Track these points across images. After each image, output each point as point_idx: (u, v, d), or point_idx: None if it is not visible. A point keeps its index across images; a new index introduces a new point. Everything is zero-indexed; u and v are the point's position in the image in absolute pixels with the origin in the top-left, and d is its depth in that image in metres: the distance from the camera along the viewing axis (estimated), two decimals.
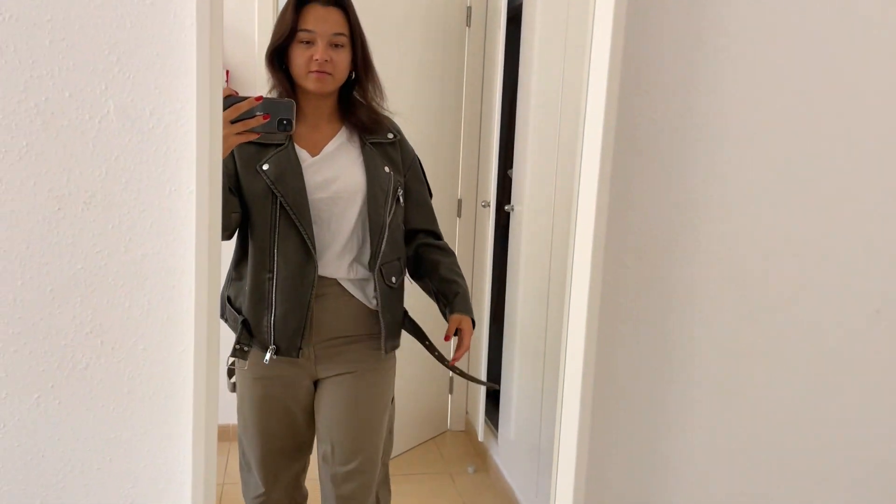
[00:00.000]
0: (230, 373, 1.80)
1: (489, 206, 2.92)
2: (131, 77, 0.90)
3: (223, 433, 3.44)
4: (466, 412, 3.47)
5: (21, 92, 0.88)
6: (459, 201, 3.22)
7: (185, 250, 0.93)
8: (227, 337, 2.33)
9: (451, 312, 1.74)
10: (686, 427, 1.09)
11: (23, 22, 0.87)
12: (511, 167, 2.84)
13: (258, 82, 2.58)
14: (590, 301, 0.97)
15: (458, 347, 1.71)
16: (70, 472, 0.93)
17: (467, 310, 1.72)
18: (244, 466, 1.86)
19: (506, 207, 2.80)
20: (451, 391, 3.45)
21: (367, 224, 1.64)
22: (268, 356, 1.61)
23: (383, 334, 1.66)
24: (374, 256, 1.62)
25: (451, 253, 1.81)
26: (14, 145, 0.89)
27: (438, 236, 1.83)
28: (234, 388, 1.76)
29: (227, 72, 2.76)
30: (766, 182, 1.06)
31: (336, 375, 1.71)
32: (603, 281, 1.00)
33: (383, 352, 1.68)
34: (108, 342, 0.93)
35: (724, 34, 1.02)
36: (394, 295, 1.72)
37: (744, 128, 1.04)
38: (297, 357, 1.65)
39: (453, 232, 3.24)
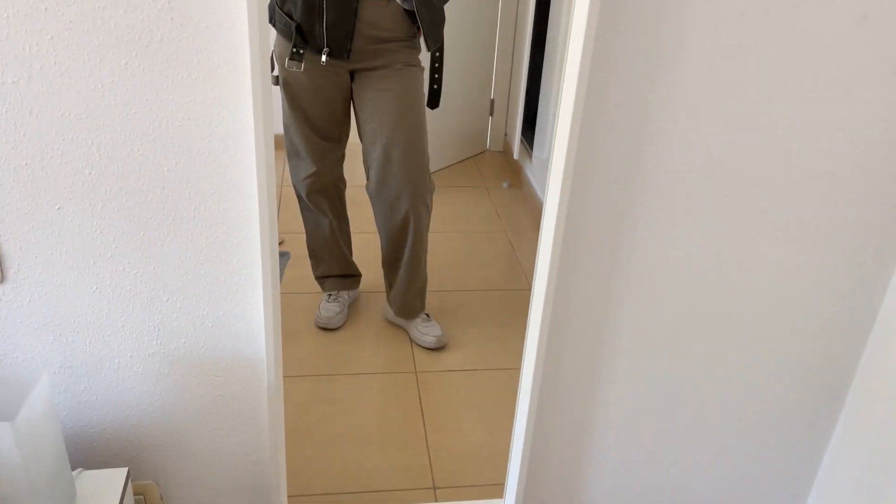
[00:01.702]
0: (270, 65, 2.03)
1: None
2: None
3: (278, 143, 3.73)
4: (505, 134, 3.67)
5: None
6: None
7: None
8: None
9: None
10: (669, 130, 1.25)
11: None
12: None
13: None
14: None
15: None
16: (158, 126, 1.16)
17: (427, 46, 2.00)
18: (292, 153, 2.17)
19: None
20: (491, 113, 3.62)
21: None
22: (324, 58, 1.84)
23: (424, 31, 1.87)
24: None
25: None
26: None
27: None
28: (276, 80, 2.01)
29: None
30: None
31: (372, 70, 1.94)
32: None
33: (426, 49, 1.89)
34: (177, 18, 1.10)
35: None
36: None
37: None
38: (348, 58, 1.87)
39: None
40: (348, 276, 2.46)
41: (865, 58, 1.21)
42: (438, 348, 2.32)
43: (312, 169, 2.13)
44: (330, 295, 2.44)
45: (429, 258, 2.78)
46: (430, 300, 2.52)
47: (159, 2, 1.09)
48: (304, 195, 2.22)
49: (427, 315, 2.38)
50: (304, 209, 2.30)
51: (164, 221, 1.23)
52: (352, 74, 2.00)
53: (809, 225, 1.36)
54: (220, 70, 1.14)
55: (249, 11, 1.08)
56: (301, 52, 1.86)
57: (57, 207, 1.19)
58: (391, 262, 2.28)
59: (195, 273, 1.27)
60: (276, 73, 2.00)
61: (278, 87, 2.00)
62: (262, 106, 1.14)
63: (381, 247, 2.27)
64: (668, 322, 1.42)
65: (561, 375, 1.45)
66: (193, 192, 1.21)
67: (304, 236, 2.39)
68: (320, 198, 2.24)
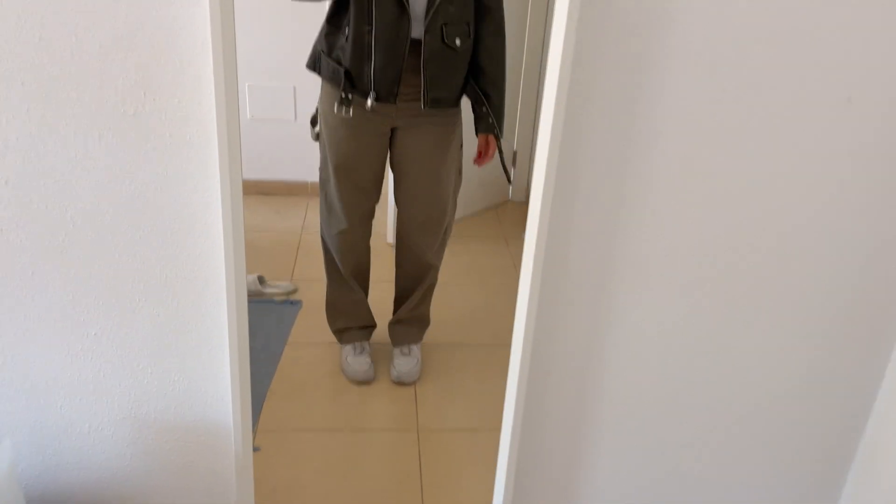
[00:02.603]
0: (314, 122, 2.04)
1: None
2: None
3: (301, 189, 3.80)
4: (528, 184, 3.65)
5: None
6: None
7: (204, 15, 1.07)
8: (309, 88, 2.53)
9: (477, 132, 2.04)
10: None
11: None
12: None
13: None
14: None
15: (483, 156, 2.09)
16: (130, 196, 1.18)
17: (490, 128, 2.00)
18: (326, 208, 2.19)
19: None
20: (513, 165, 3.60)
21: None
22: (370, 102, 1.84)
23: (423, 87, 1.84)
24: (435, 14, 1.75)
25: (500, 39, 1.96)
26: None
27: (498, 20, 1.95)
28: (317, 136, 2.02)
29: None
30: None
31: (411, 128, 1.95)
32: None
33: (422, 104, 1.86)
34: (149, 93, 1.12)
35: None
36: (449, 55, 1.86)
37: None
38: (395, 103, 1.86)
39: None
40: (366, 327, 2.45)
41: (849, 140, 1.16)
42: (398, 383, 2.36)
43: (345, 225, 2.14)
44: (354, 347, 2.41)
45: (440, 310, 2.75)
46: (438, 354, 2.49)
47: (132, 76, 1.11)
48: (333, 250, 2.23)
49: (408, 348, 2.41)
50: (328, 262, 2.30)
51: (135, 287, 1.23)
52: (392, 133, 2.01)
53: (795, 308, 1.30)
54: (191, 142, 1.15)
55: (217, 86, 1.09)
56: (349, 97, 1.86)
57: (31, 272, 1.21)
58: (399, 301, 2.40)
59: (166, 338, 1.27)
60: (317, 129, 2.02)
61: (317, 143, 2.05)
62: (230, 178, 1.14)
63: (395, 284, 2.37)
64: (658, 391, 1.37)
65: (542, 435, 1.40)
66: (164, 260, 1.22)
67: (317, 284, 2.39)
68: (350, 256, 2.25)
